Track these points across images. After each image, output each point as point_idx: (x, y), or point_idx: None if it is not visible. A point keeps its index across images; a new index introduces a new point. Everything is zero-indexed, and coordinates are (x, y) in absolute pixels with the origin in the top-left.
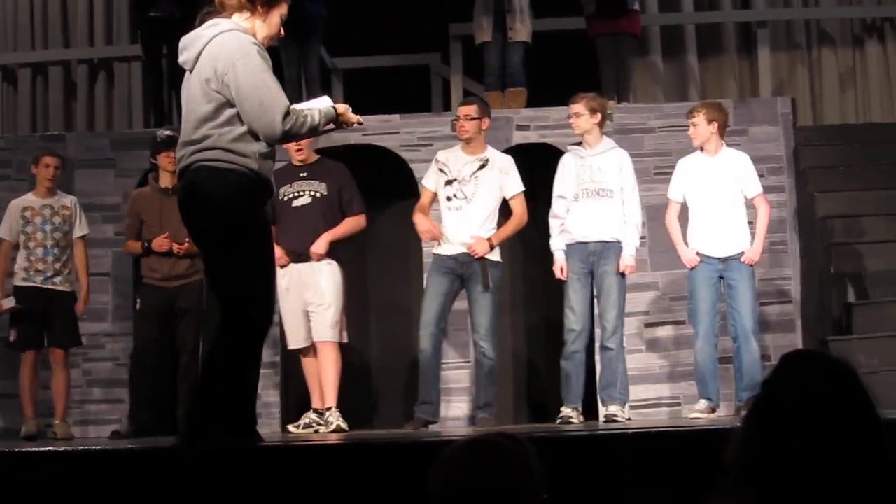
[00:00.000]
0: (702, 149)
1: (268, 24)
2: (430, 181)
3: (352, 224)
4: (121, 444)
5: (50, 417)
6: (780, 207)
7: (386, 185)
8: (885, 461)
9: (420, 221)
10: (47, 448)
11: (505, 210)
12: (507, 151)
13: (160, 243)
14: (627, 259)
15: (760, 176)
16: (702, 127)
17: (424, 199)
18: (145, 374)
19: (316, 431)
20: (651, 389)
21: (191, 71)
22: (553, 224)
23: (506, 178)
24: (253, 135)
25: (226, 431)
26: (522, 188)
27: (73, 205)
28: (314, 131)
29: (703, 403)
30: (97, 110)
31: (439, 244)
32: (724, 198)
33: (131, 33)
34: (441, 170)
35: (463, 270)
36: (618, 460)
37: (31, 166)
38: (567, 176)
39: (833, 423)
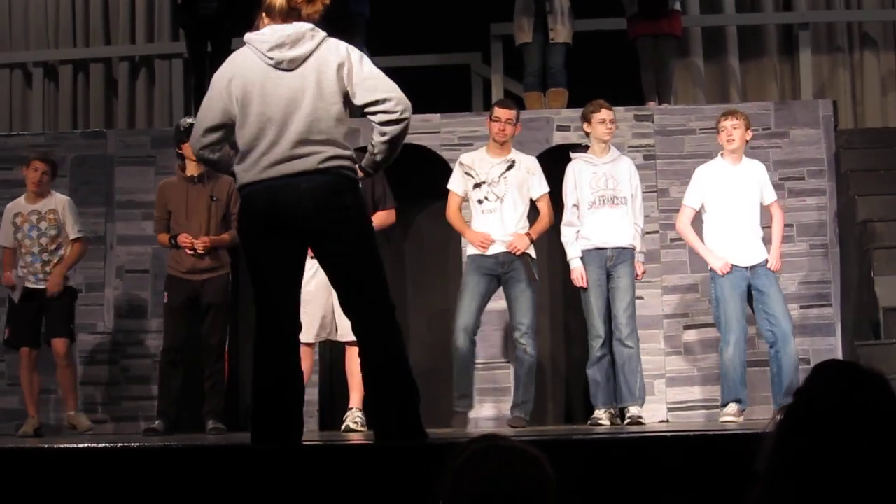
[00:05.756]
0: (722, 156)
1: None
2: (457, 185)
3: (383, 218)
4: (155, 441)
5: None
6: (821, 210)
7: (426, 185)
8: None
9: (473, 235)
10: (71, 445)
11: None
12: (545, 153)
13: (183, 241)
14: (639, 266)
15: (801, 179)
16: (741, 131)
17: (455, 203)
18: (175, 369)
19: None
20: (688, 392)
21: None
22: (568, 232)
23: (532, 179)
24: None
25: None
26: (548, 189)
27: (62, 207)
28: None
29: (734, 407)
30: (138, 107)
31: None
32: (749, 206)
33: (172, 31)
34: (468, 173)
35: (502, 270)
36: (646, 464)
37: (21, 168)
38: (580, 184)
39: (865, 434)
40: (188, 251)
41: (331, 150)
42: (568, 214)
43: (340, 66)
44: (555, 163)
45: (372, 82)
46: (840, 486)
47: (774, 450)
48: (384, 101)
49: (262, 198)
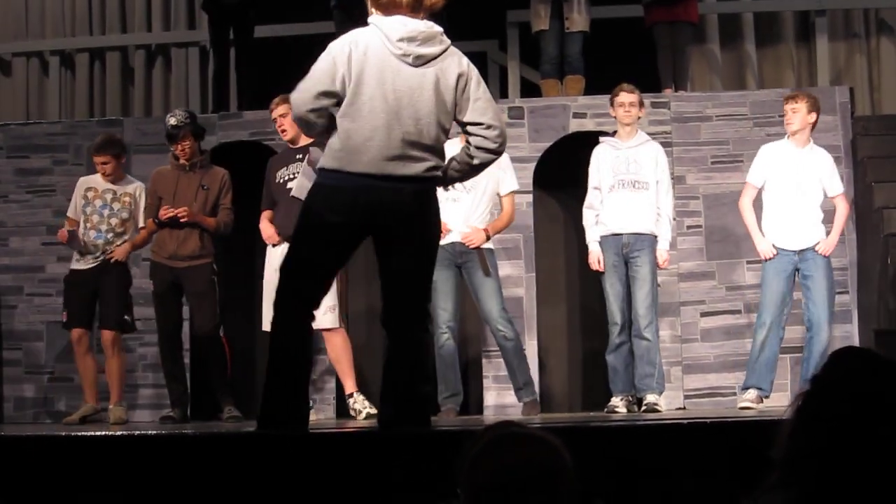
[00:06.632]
0: (787, 137)
1: None
2: None
3: None
4: (173, 429)
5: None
6: None
7: None
8: None
9: None
10: (87, 433)
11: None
12: (562, 140)
13: (163, 213)
14: (663, 253)
15: None
16: (801, 114)
17: None
18: (174, 356)
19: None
20: (706, 379)
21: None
22: (588, 215)
23: (503, 175)
24: None
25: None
26: (517, 187)
27: (137, 194)
28: None
29: (753, 393)
30: (154, 96)
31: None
32: (808, 192)
33: (188, 19)
34: None
35: (460, 260)
36: (663, 451)
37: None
38: (602, 167)
39: (882, 421)
40: (170, 217)
41: (434, 160)
42: (589, 197)
43: (460, 77)
44: (581, 148)
45: (483, 104)
46: (857, 474)
47: (791, 437)
48: (489, 127)
49: (361, 195)
